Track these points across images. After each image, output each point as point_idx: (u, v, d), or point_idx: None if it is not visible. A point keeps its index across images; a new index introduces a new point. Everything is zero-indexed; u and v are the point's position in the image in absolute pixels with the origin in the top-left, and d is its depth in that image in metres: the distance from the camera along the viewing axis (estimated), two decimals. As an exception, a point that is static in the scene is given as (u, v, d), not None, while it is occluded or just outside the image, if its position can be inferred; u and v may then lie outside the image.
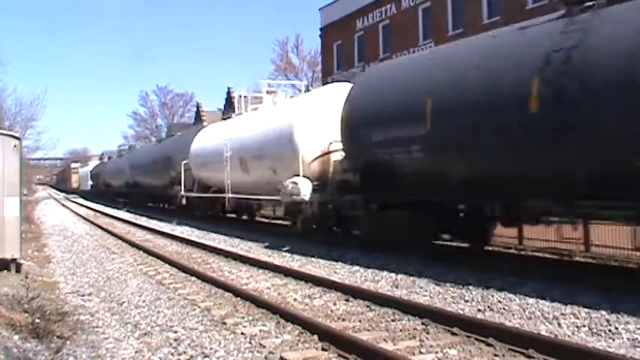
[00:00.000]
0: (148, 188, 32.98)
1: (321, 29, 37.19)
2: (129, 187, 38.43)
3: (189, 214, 24.31)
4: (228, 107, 52.93)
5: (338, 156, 14.10)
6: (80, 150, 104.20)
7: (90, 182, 61.70)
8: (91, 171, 62.68)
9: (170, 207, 29.19)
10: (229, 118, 23.99)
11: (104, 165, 55.52)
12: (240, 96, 23.19)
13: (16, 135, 12.06)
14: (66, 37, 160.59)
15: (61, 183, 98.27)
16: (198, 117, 58.64)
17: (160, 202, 32.06)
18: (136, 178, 36.07)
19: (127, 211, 33.60)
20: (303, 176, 14.23)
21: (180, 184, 23.90)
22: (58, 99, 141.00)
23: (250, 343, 6.46)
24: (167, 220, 24.83)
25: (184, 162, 23.49)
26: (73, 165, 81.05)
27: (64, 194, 75.97)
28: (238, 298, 8.70)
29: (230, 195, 19.10)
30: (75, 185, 75.18)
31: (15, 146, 10.90)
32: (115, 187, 45.35)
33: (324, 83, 28.63)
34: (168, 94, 77.30)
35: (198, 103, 64.10)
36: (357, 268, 11.13)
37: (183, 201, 23.80)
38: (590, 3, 8.55)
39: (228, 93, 55.66)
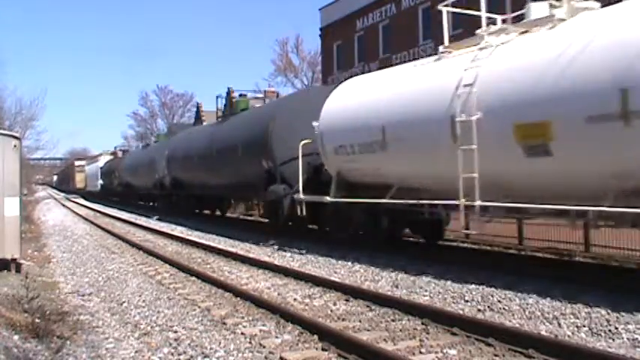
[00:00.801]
0: (204, 188, 23.19)
1: (321, 29, 37.19)
2: (163, 188, 28.73)
3: (308, 233, 15.87)
4: (229, 107, 52.90)
5: None
6: (80, 150, 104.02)
7: (100, 182, 52.88)
8: (101, 168, 53.24)
9: (220, 216, 23.17)
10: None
11: (120, 160, 44.95)
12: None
13: (16, 135, 12.07)
14: (66, 37, 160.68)
15: (64, 183, 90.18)
16: (199, 117, 58.64)
17: (221, 209, 25.16)
18: (177, 175, 26.20)
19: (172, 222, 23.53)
20: None
21: (295, 182, 14.68)
22: (58, 99, 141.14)
23: (250, 343, 6.46)
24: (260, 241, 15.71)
25: (304, 143, 14.43)
26: (77, 162, 70.90)
27: (63, 194, 74.63)
28: (238, 298, 8.69)
29: (478, 203, 9.25)
30: (79, 185, 66.27)
31: (15, 146, 10.90)
32: (138, 187, 36.02)
33: (324, 84, 28.52)
34: (168, 94, 77.57)
35: (198, 103, 64.14)
36: (357, 268, 11.13)
37: (301, 210, 14.48)
38: None
39: (228, 93, 55.70)
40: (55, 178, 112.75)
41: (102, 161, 55.15)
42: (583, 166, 8.08)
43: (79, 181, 66.56)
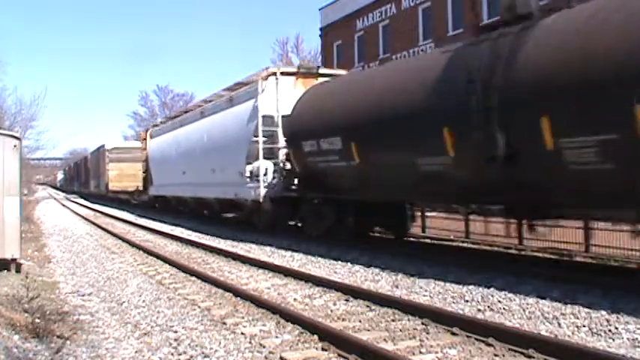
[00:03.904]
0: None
1: (321, 29, 37.23)
2: None
3: None
4: (229, 107, 52.83)
5: None
6: (80, 150, 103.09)
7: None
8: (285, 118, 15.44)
9: None
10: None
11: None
12: None
13: (16, 135, 12.06)
14: (66, 37, 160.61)
15: (75, 181, 64.12)
16: (199, 117, 58.43)
17: None
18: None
19: None
20: None
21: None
22: (58, 99, 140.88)
23: (250, 343, 6.46)
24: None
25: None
26: (110, 145, 39.89)
27: (63, 193, 71.92)
28: (238, 298, 8.69)
29: None
30: (118, 184, 37.14)
31: (15, 146, 10.90)
32: None
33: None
34: (168, 94, 77.49)
35: (198, 103, 64.00)
36: (357, 268, 11.13)
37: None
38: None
39: (228, 93, 55.61)
40: (60, 175, 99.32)
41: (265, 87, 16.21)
42: None
43: (117, 178, 37.24)
